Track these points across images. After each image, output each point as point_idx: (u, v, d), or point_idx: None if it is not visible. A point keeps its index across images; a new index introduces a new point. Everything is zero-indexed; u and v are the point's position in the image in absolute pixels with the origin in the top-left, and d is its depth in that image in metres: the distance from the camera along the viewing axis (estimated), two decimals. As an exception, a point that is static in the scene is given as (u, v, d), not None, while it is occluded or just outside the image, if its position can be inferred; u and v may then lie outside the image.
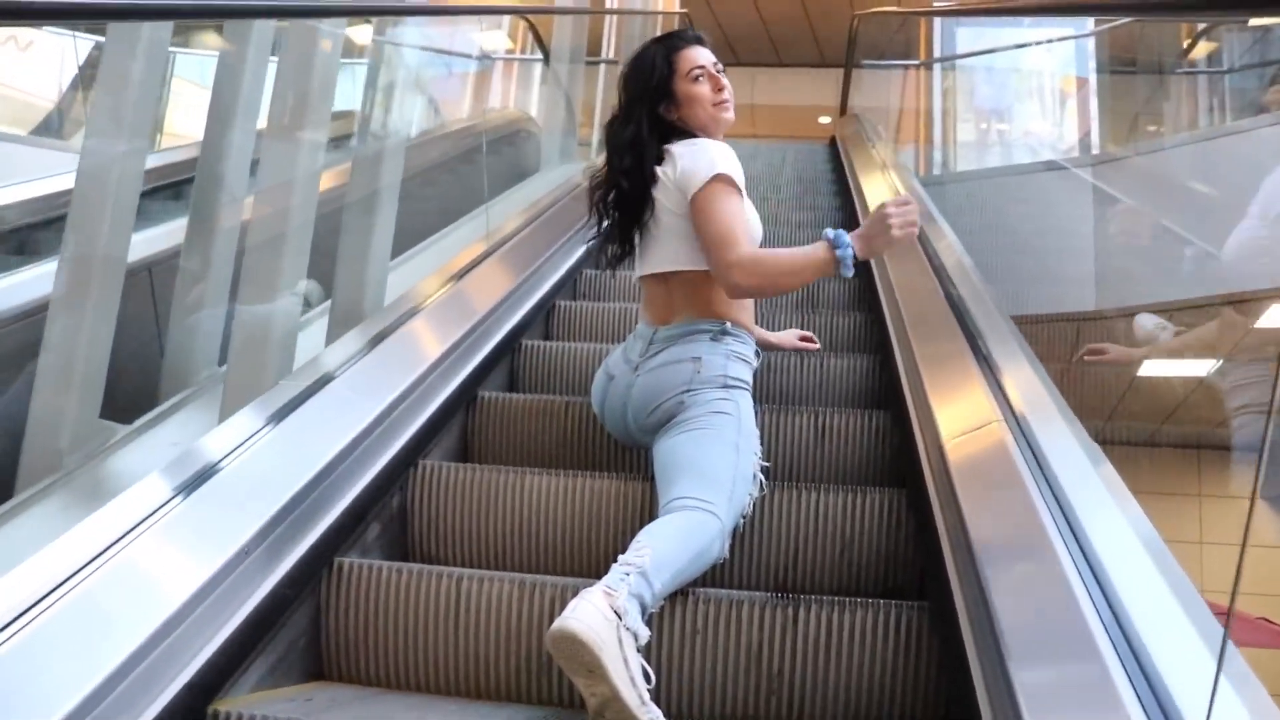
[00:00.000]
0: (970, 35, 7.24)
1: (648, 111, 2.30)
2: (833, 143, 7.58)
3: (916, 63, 7.73)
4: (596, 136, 7.01)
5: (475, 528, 2.19)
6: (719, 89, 2.32)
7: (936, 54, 7.58)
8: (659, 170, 2.25)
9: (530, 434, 2.59)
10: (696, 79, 2.30)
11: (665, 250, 2.26)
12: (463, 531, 2.19)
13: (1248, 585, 1.09)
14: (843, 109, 9.30)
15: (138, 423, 2.50)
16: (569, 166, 5.69)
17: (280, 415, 1.93)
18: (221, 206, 2.88)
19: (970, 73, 7.37)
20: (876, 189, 4.66)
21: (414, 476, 2.21)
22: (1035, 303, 3.94)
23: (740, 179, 2.22)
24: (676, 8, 9.12)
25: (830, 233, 2.11)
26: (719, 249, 2.12)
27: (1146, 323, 3.20)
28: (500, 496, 2.18)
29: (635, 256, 2.37)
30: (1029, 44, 6.29)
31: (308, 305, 3.07)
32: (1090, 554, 1.30)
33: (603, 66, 7.68)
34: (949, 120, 7.35)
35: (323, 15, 2.99)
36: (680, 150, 2.24)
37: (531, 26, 7.35)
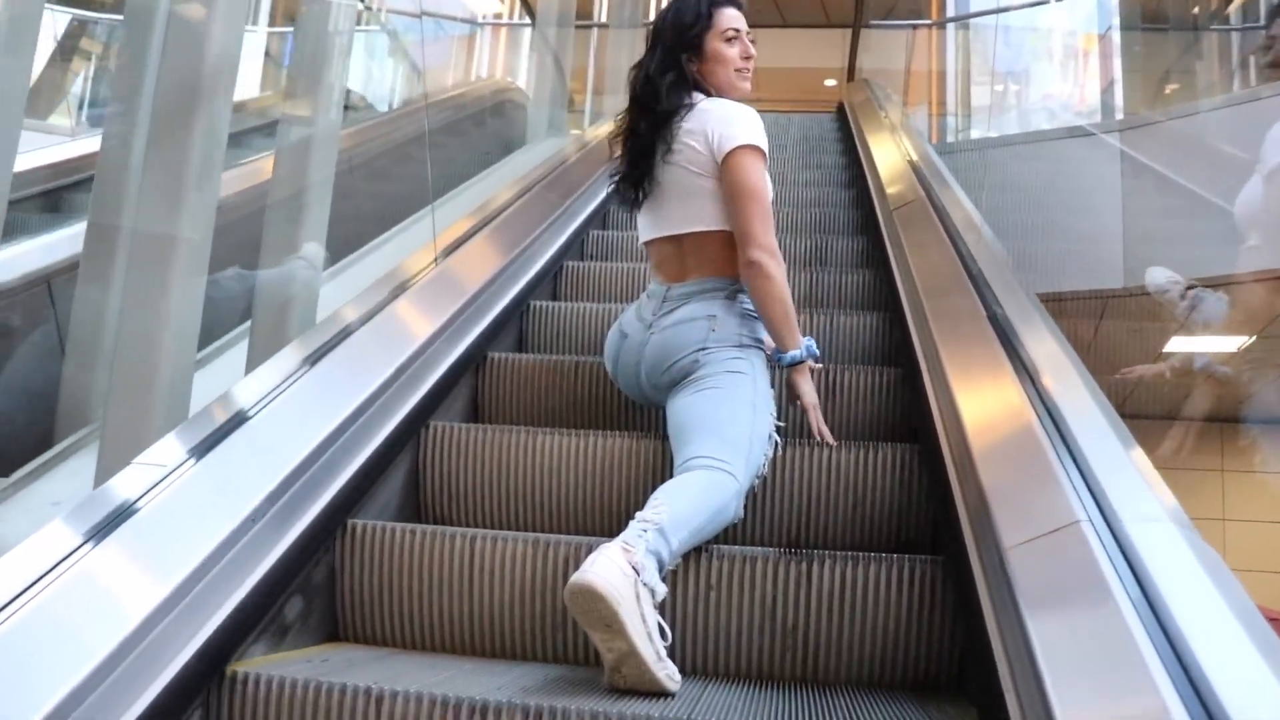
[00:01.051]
0: None
1: (679, 58, 2.26)
2: (840, 112, 7.21)
3: (929, 22, 7.52)
4: (590, 106, 6.83)
5: (487, 488, 2.19)
6: (746, 56, 2.30)
7: (950, 12, 7.33)
8: (682, 125, 2.21)
9: (541, 394, 2.58)
10: (730, 39, 2.27)
11: (683, 210, 2.22)
12: (475, 492, 2.19)
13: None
14: (850, 74, 8.86)
15: (14, 476, 2.19)
16: (556, 141, 5.36)
17: (314, 359, 1.95)
18: (126, 206, 2.51)
19: (986, 32, 7.03)
20: (894, 171, 4.18)
21: (425, 437, 2.21)
22: (1058, 279, 3.83)
23: (765, 142, 2.20)
24: None
25: (806, 352, 2.19)
26: (760, 226, 2.12)
27: (1158, 277, 3.17)
28: (512, 456, 2.19)
29: (642, 216, 2.35)
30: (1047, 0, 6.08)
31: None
32: (1108, 510, 1.29)
33: (595, 31, 7.39)
34: (964, 84, 7.07)
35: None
36: (713, 107, 2.21)
37: None
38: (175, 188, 2.21)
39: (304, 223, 2.75)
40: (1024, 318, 2.07)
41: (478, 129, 5.88)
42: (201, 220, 2.25)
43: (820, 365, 2.32)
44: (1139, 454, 1.47)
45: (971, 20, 7.14)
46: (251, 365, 2.31)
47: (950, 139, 6.89)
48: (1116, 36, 5.33)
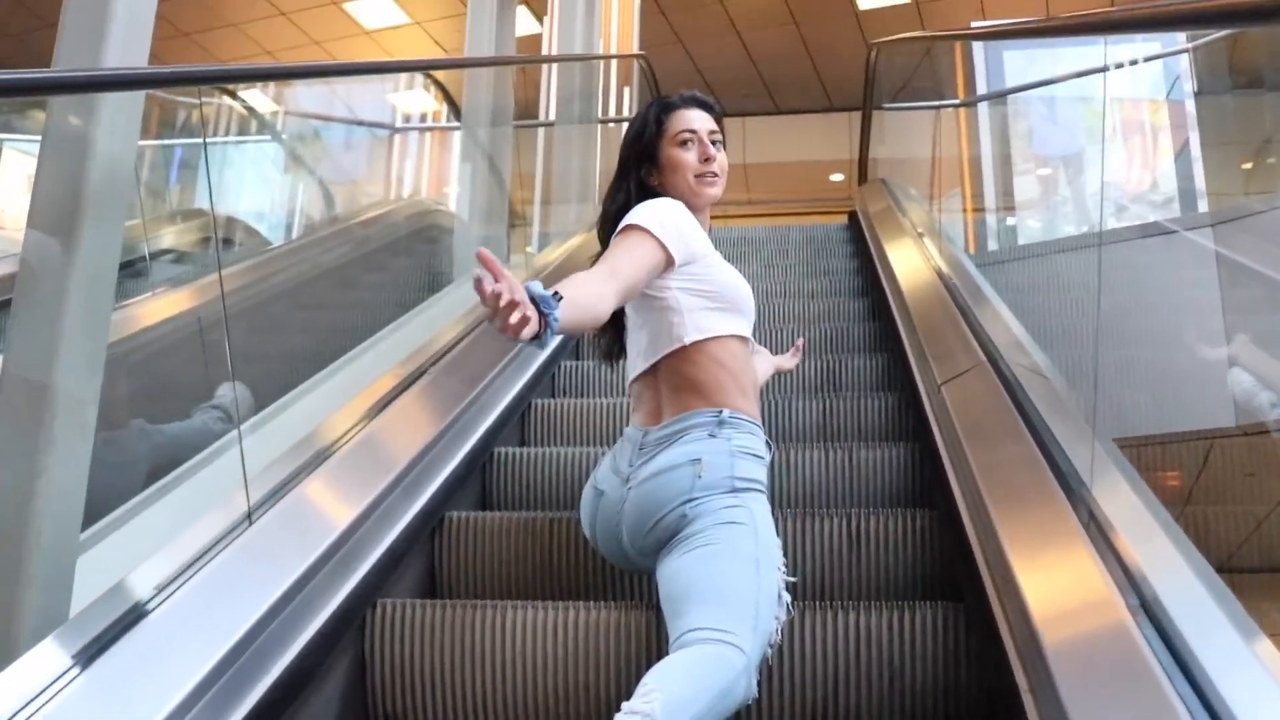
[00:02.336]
0: (1022, 61, 6.52)
1: (634, 176, 2.36)
2: (853, 222, 6.69)
3: (956, 102, 6.82)
4: (538, 228, 6.56)
5: (449, 677, 2.12)
6: (706, 159, 2.34)
7: (981, 86, 6.81)
8: None
9: (508, 559, 2.54)
10: (684, 143, 2.34)
11: (643, 338, 2.28)
12: (434, 682, 2.12)
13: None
14: (862, 172, 8.17)
15: None
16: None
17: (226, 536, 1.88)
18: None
19: (1029, 110, 6.52)
20: (937, 324, 3.56)
21: (372, 619, 2.15)
22: (1145, 419, 3.49)
23: (670, 227, 2.19)
24: (634, 50, 8.54)
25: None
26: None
27: (1244, 380, 3.12)
28: (476, 638, 2.12)
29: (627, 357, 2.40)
30: (1108, 67, 5.81)
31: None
32: (1203, 685, 1.25)
33: (540, 133, 7.08)
34: (1002, 174, 6.57)
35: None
36: None
37: (435, 81, 6.79)
38: (48, 330, 2.11)
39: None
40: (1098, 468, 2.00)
41: (391, 262, 5.55)
42: (84, 368, 2.15)
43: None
44: (1266, 646, 1.40)
45: (1011, 96, 6.69)
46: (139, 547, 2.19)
47: (992, 245, 6.45)
48: (1191, 105, 5.10)
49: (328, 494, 2.26)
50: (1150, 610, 1.47)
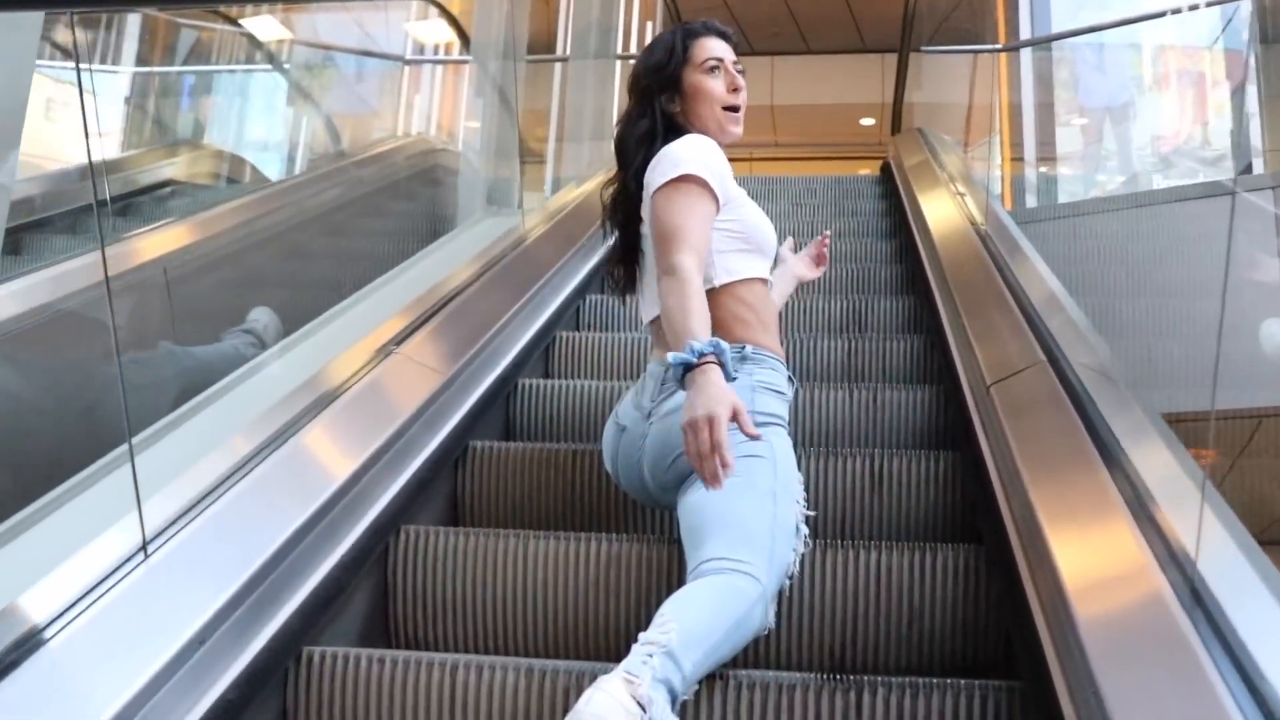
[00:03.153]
0: (1071, 4, 6.16)
1: (658, 102, 2.32)
2: (887, 177, 6.19)
3: (998, 47, 6.21)
4: (552, 170, 6.21)
5: (470, 605, 2.14)
6: (734, 88, 2.32)
7: (1026, 28, 6.15)
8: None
9: (531, 489, 2.55)
10: (711, 70, 2.31)
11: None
12: (455, 610, 2.14)
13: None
14: (895, 120, 7.69)
15: None
16: (498, 222, 4.25)
17: (257, 455, 1.90)
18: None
19: (1074, 56, 6.01)
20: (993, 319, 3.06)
21: (395, 546, 2.17)
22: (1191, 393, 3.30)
23: (716, 172, 2.19)
24: None
25: (691, 352, 1.91)
26: (660, 248, 2.13)
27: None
28: (499, 566, 2.14)
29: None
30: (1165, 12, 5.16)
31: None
32: (1229, 634, 1.24)
33: (557, 68, 6.59)
34: (1044, 127, 6.11)
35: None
36: (659, 153, 2.25)
37: (442, 9, 6.31)
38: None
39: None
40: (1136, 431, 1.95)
41: (391, 207, 5.18)
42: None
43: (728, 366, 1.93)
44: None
45: (1057, 41, 6.14)
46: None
47: (1031, 202, 5.97)
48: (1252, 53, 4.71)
49: (351, 424, 2.28)
50: (1182, 566, 1.45)
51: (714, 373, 1.86)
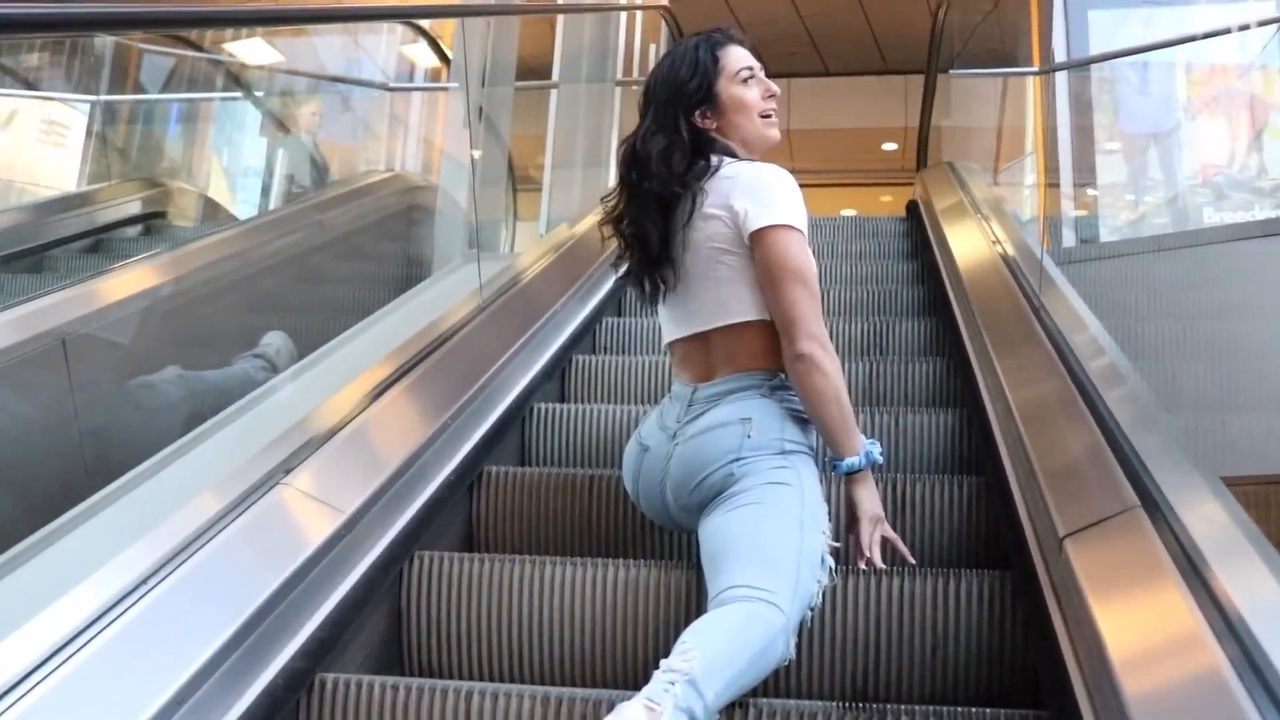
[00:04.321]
0: (1111, 22, 5.70)
1: (683, 120, 2.22)
2: (914, 218, 5.58)
3: (1033, 69, 5.64)
4: (547, 208, 5.66)
5: (485, 631, 2.13)
6: (770, 95, 2.29)
7: (1060, 50, 5.57)
8: (700, 198, 2.18)
9: (547, 514, 2.54)
10: (746, 80, 2.26)
11: (707, 300, 2.20)
12: (470, 636, 2.13)
13: None
14: (921, 152, 6.75)
15: None
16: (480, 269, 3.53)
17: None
18: None
19: (1119, 78, 5.55)
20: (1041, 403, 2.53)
21: (409, 572, 2.16)
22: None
23: (804, 217, 2.18)
24: (659, 1, 7.39)
25: (867, 459, 2.14)
26: (808, 311, 2.10)
27: None
28: (514, 592, 2.13)
29: (663, 311, 2.33)
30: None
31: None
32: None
33: (553, 94, 5.96)
34: (1082, 157, 5.54)
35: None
36: (739, 173, 2.18)
37: (421, 31, 5.70)
38: None
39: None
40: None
41: (352, 259, 4.55)
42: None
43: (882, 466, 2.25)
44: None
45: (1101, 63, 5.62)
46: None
47: (1070, 242, 5.36)
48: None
49: (366, 447, 2.27)
50: (1217, 598, 1.41)
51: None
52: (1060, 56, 5.60)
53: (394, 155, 6.15)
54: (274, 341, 2.96)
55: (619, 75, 6.56)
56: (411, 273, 4.37)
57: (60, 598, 1.52)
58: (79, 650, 1.43)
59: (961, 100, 6.72)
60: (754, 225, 2.11)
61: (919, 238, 5.15)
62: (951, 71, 6.66)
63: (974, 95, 6.58)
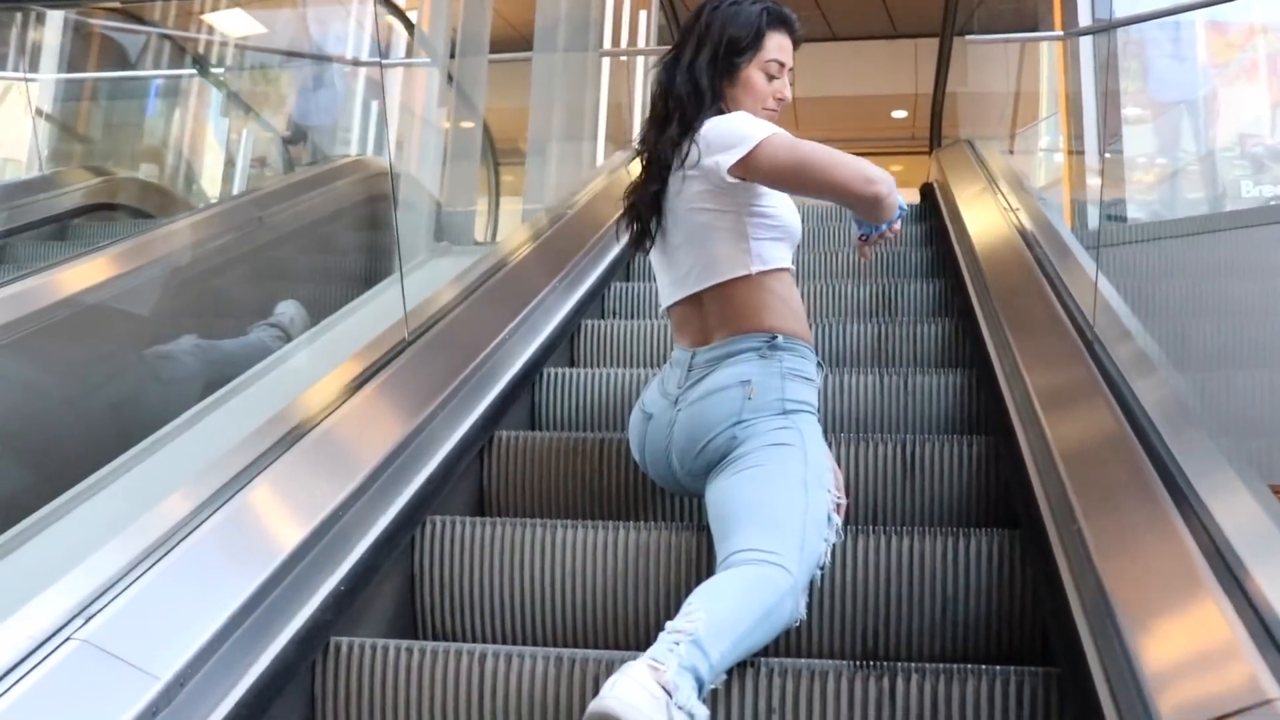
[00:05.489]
0: None
1: (715, 74, 2.25)
2: (931, 204, 4.97)
3: (1057, 34, 5.14)
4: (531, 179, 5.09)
5: (496, 595, 2.15)
6: (779, 98, 2.31)
7: (1085, 12, 4.98)
8: (685, 156, 2.20)
9: (557, 478, 2.56)
10: (770, 74, 2.28)
11: (695, 261, 2.22)
12: (483, 599, 2.15)
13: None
14: (935, 130, 5.96)
15: None
16: (448, 264, 3.47)
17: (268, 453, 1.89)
18: None
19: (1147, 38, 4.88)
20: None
21: (422, 536, 2.17)
22: None
23: None
24: None
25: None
26: (846, 179, 2.13)
27: None
28: (525, 555, 2.15)
29: (659, 275, 2.35)
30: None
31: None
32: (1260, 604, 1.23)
33: (533, 66, 5.25)
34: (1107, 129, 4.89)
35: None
36: (705, 127, 2.20)
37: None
38: None
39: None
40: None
41: (302, 256, 3.99)
42: None
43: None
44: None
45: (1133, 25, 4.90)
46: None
47: (1095, 221, 4.70)
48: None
49: (377, 412, 2.28)
50: (1225, 559, 1.42)
51: None
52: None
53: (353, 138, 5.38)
54: (288, 310, 2.99)
55: (607, 45, 6.22)
56: (371, 271, 3.78)
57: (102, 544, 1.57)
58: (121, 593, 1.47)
59: (974, 70, 6.02)
60: (729, 164, 2.13)
61: (935, 218, 4.68)
62: (971, 35, 5.81)
63: (987, 62, 5.89)
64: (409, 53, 5.25)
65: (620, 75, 6.32)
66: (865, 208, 2.18)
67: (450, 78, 4.60)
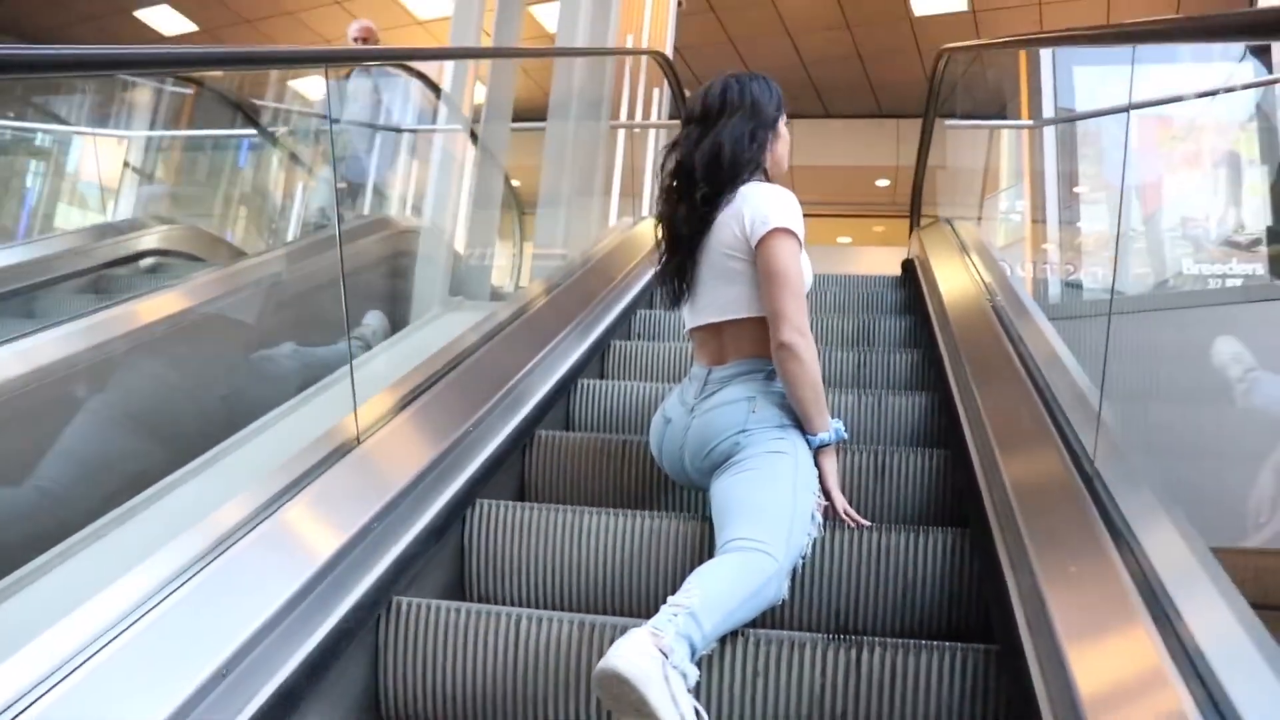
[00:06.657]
0: (1094, 79, 4.89)
1: (761, 130, 2.25)
2: (911, 279, 4.39)
3: (1029, 123, 4.95)
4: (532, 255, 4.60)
5: (533, 567, 2.17)
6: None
7: (1048, 104, 4.98)
8: (722, 209, 2.20)
9: (587, 472, 2.57)
10: (784, 141, 2.34)
11: (719, 297, 2.23)
12: (520, 570, 2.17)
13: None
14: (914, 209, 5.41)
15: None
16: (459, 319, 3.16)
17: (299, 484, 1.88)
18: None
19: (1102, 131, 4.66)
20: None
21: (472, 515, 2.20)
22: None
23: (802, 230, 2.19)
24: (667, 48, 6.63)
25: (835, 435, 2.13)
26: (791, 307, 2.08)
27: (1224, 349, 2.75)
28: (556, 536, 2.16)
29: (685, 304, 2.34)
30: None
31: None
32: (1178, 622, 1.22)
33: (548, 136, 4.67)
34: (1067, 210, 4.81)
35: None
36: (750, 191, 2.20)
37: (419, 75, 4.80)
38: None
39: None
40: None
41: (323, 308, 3.13)
42: None
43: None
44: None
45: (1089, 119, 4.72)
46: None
47: (1056, 296, 4.60)
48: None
49: (431, 414, 2.31)
50: (1138, 558, 1.42)
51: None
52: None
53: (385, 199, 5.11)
54: (372, 322, 2.98)
55: (622, 119, 5.91)
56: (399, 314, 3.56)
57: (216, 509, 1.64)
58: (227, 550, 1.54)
59: (953, 155, 5.59)
60: (760, 231, 2.13)
61: (914, 296, 4.17)
62: (950, 121, 5.42)
63: (964, 148, 5.53)
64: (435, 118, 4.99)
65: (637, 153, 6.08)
66: (781, 357, 2.08)
67: (475, 137, 4.35)
